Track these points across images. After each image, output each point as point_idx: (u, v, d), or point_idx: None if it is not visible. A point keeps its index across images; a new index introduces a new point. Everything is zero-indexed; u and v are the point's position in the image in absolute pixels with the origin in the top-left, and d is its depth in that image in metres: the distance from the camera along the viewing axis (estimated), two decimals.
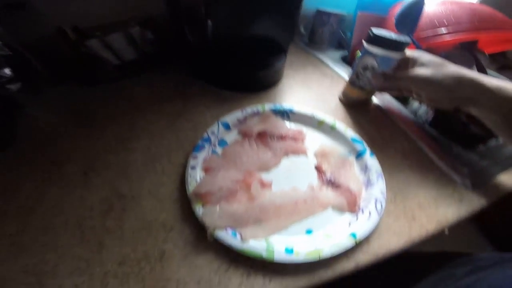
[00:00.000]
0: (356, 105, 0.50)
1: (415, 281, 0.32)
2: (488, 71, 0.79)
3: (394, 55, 0.41)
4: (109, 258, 0.25)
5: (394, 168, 0.38)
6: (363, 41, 0.43)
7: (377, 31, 0.41)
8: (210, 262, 0.25)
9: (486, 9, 0.52)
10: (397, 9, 0.50)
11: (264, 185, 0.32)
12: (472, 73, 0.34)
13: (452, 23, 0.51)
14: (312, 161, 0.37)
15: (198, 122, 0.42)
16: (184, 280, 0.24)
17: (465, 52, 0.55)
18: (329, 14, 0.69)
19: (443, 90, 0.35)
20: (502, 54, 0.89)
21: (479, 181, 0.37)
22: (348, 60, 0.67)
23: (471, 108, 0.34)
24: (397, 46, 0.39)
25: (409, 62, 0.41)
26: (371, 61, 0.43)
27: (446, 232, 0.33)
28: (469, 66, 0.52)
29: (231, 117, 0.41)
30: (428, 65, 0.38)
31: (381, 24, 0.61)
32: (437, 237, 0.32)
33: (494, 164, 0.40)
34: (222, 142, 0.38)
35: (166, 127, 0.41)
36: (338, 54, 0.70)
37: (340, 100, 0.51)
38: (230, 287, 0.24)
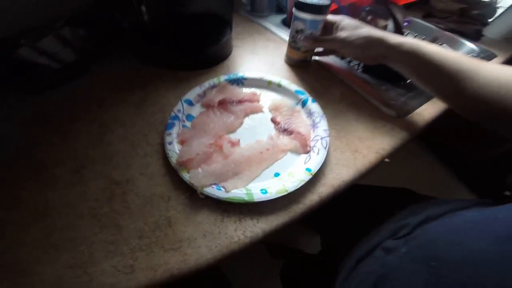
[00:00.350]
0: (298, 64, 0.56)
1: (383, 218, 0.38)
2: (415, 19, 0.89)
3: (319, 18, 0.47)
4: (129, 235, 0.31)
5: (335, 110, 0.47)
6: (293, 8, 0.48)
7: None
8: (208, 217, 0.33)
9: None
10: None
11: (233, 143, 0.39)
12: (380, 33, 0.41)
13: None
14: (268, 115, 0.45)
15: (163, 104, 0.46)
16: (192, 236, 0.31)
17: (380, 5, 0.61)
18: None
19: (358, 49, 0.43)
20: (426, 2, 0.98)
21: (403, 111, 0.47)
22: (287, 23, 0.71)
23: (387, 62, 0.42)
24: (320, 9, 0.45)
25: (333, 26, 0.47)
26: (301, 25, 0.48)
27: (387, 160, 0.42)
28: (386, 18, 0.60)
29: (192, 94, 0.46)
30: (346, 28, 0.44)
31: None
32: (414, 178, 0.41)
33: (416, 96, 0.50)
34: (189, 117, 0.43)
35: (134, 114, 0.45)
36: (279, 18, 0.74)
37: (285, 61, 0.57)
38: (228, 233, 0.31)
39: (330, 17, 0.48)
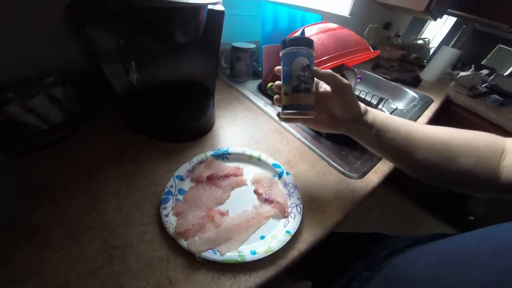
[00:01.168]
0: (299, 115, 0.46)
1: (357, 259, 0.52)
2: (365, 72, 1.18)
3: (313, 53, 0.46)
4: None
5: (306, 177, 0.60)
6: (288, 48, 0.45)
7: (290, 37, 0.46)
8: (205, 276, 0.39)
9: (346, 33, 0.79)
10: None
11: (223, 214, 0.48)
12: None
13: (324, 52, 0.75)
14: (251, 188, 0.55)
15: (154, 178, 0.54)
16: None
17: (337, 72, 0.82)
18: (242, 50, 0.91)
19: (345, 107, 0.46)
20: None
21: (361, 172, 0.63)
22: (262, 88, 0.88)
23: (352, 132, 0.48)
24: (310, 42, 0.45)
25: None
26: (306, 60, 0.45)
27: (351, 215, 0.55)
28: None
29: (182, 170, 0.55)
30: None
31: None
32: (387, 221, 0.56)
33: (370, 159, 0.67)
34: (181, 191, 0.52)
35: (127, 188, 0.51)
36: (255, 84, 0.91)
37: (282, 116, 0.48)
38: None
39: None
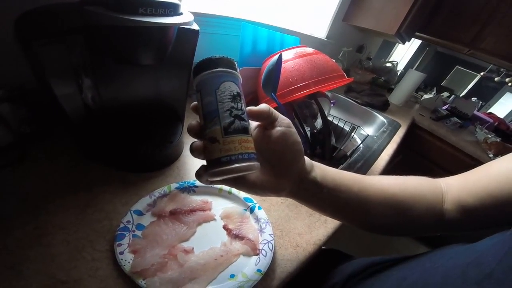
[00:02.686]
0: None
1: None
2: (338, 95, 1.31)
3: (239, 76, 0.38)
4: None
5: (278, 211, 0.62)
6: (208, 72, 0.35)
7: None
8: None
9: (322, 59, 0.87)
10: (268, 63, 0.75)
11: (187, 251, 0.47)
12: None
13: (300, 79, 0.81)
14: (220, 223, 0.55)
15: (109, 211, 0.52)
16: None
17: (311, 99, 0.90)
18: None
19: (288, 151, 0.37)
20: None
21: None
22: None
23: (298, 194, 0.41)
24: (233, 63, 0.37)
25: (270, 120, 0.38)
26: (235, 87, 0.35)
27: (324, 247, 0.59)
28: (314, 110, 0.87)
29: (141, 204, 0.54)
30: (289, 125, 0.37)
31: (259, 75, 0.89)
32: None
33: None
34: (139, 226, 0.50)
35: (77, 220, 0.49)
36: None
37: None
38: None
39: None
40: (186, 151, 0.74)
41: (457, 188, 0.44)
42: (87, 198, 0.54)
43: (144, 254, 0.45)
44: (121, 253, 0.44)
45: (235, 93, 0.34)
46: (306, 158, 0.40)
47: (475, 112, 2.23)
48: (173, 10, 0.51)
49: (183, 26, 0.54)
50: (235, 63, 0.37)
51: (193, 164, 0.71)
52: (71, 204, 0.52)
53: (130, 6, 0.44)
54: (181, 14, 0.53)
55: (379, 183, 0.45)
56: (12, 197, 0.50)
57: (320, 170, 0.42)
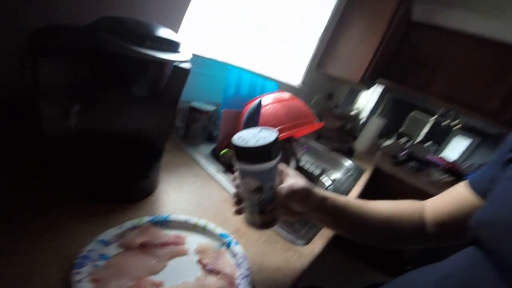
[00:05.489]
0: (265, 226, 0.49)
1: None
2: (310, 141, 1.42)
3: (274, 163, 0.41)
4: None
5: (255, 247, 0.62)
6: (237, 162, 0.42)
7: (239, 139, 0.40)
8: None
9: (297, 104, 0.94)
10: (249, 107, 0.79)
11: (156, 285, 0.43)
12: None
13: (277, 122, 0.87)
14: (193, 258, 0.51)
15: (71, 239, 0.48)
16: None
17: (286, 143, 0.95)
18: (201, 111, 0.95)
19: (301, 200, 0.49)
20: None
21: (307, 239, 0.71)
22: (216, 154, 0.92)
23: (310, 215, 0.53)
24: (270, 152, 0.39)
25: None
26: (254, 183, 0.41)
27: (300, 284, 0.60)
28: (288, 153, 0.90)
29: (108, 234, 0.50)
30: (293, 175, 0.50)
31: (240, 118, 0.92)
32: None
33: (314, 225, 0.75)
34: (103, 256, 0.46)
35: (33, 244, 0.44)
36: (209, 148, 0.95)
37: (249, 223, 0.50)
38: None
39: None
40: (162, 187, 0.72)
41: (433, 207, 0.56)
42: (48, 222, 0.50)
43: (107, 285, 0.41)
44: (79, 281, 0.40)
45: (254, 189, 0.43)
46: (319, 191, 0.52)
47: (430, 156, 2.54)
48: (175, 47, 0.55)
49: (176, 64, 0.59)
50: (266, 152, 0.41)
51: (168, 200, 0.69)
52: (30, 227, 0.48)
53: (139, 38, 0.48)
54: (179, 52, 0.57)
55: (375, 204, 0.57)
56: None
57: (331, 201, 0.53)
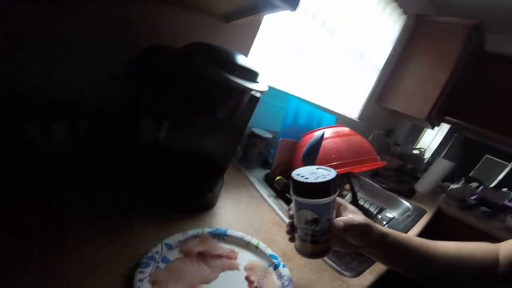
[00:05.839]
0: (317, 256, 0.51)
1: None
2: (365, 179, 1.36)
3: (331, 199, 0.45)
4: None
5: (301, 273, 0.63)
6: (293, 195, 0.46)
7: (298, 175, 0.44)
8: None
9: (359, 140, 0.93)
10: (307, 138, 0.82)
11: None
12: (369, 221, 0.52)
13: (337, 157, 0.87)
14: (242, 273, 0.55)
15: (137, 239, 0.54)
16: None
17: (343, 178, 0.94)
18: (260, 137, 1.01)
19: (358, 234, 0.50)
20: None
21: (356, 272, 0.70)
22: (269, 180, 0.96)
23: (365, 250, 0.53)
24: (328, 188, 0.43)
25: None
26: (310, 214, 0.44)
27: None
28: (345, 188, 0.91)
29: (174, 239, 0.56)
30: (352, 210, 0.53)
31: (296, 148, 0.96)
32: None
33: (366, 260, 0.73)
34: (165, 259, 0.52)
35: (100, 239, 0.50)
36: (263, 173, 1.00)
37: (298, 251, 0.51)
38: None
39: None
40: (221, 203, 0.79)
41: (509, 247, 0.53)
42: (119, 222, 0.57)
43: (165, 287, 0.46)
44: (141, 280, 0.45)
45: (310, 220, 0.45)
46: (378, 228, 0.52)
47: (506, 202, 2.12)
48: (256, 77, 0.63)
49: (254, 93, 0.66)
50: (325, 188, 0.44)
51: (225, 216, 0.75)
52: (100, 224, 0.54)
53: (230, 67, 0.56)
54: (258, 82, 0.64)
55: (442, 243, 0.56)
56: (51, 201, 0.54)
57: (392, 237, 0.53)
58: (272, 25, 1.22)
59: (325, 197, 0.43)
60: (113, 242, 0.52)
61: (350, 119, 1.95)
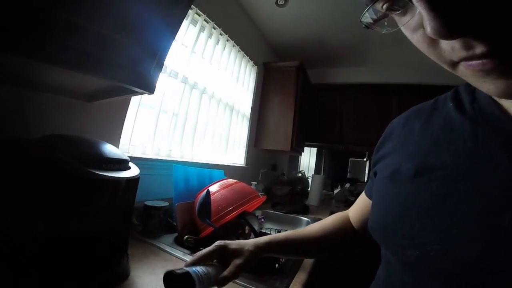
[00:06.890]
0: None
1: None
2: (267, 211, 1.73)
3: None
4: None
5: None
6: None
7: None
8: None
9: (241, 186, 1.15)
10: (198, 198, 0.93)
11: None
12: (254, 239, 0.63)
13: (226, 205, 1.03)
14: None
15: None
16: None
17: (240, 219, 1.11)
18: (155, 208, 1.03)
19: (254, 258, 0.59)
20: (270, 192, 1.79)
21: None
22: (180, 241, 0.99)
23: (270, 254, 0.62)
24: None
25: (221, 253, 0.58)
26: None
27: None
28: (243, 225, 1.08)
29: None
30: (238, 250, 0.58)
31: (194, 207, 1.04)
32: None
33: (286, 275, 0.84)
34: None
35: None
36: (171, 237, 1.02)
37: None
38: None
39: (211, 249, 0.58)
40: (134, 273, 0.76)
41: (354, 213, 0.70)
42: None
43: None
44: None
45: None
46: (249, 244, 0.60)
47: None
48: (125, 165, 0.68)
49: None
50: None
51: (143, 282, 0.73)
52: None
53: (95, 161, 0.58)
54: (129, 168, 0.70)
55: (310, 228, 0.71)
56: None
57: (268, 245, 0.62)
58: (149, 99, 1.32)
59: None
60: None
61: (240, 166, 2.20)
